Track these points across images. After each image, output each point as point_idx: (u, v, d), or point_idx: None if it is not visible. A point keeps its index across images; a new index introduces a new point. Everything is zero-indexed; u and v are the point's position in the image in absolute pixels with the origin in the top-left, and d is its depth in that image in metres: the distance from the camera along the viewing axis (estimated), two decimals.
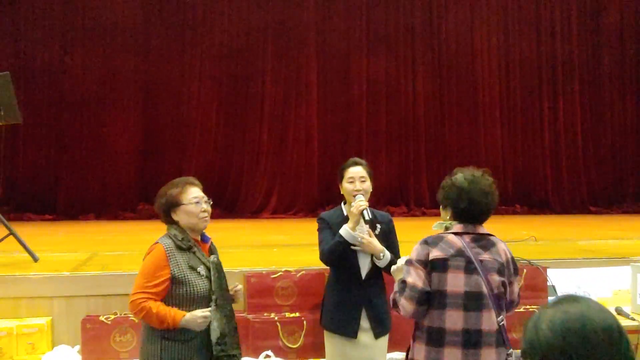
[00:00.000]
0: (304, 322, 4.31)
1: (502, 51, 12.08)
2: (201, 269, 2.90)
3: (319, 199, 11.00)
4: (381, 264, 3.36)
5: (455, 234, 2.71)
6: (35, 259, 5.01)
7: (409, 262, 2.71)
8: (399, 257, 3.48)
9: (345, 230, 3.29)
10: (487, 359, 2.59)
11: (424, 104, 11.77)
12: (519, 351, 1.66)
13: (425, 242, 2.71)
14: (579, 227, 9.24)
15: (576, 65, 12.25)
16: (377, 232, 3.42)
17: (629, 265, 4.48)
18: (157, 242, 2.92)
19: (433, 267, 2.65)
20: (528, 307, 4.43)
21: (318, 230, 3.51)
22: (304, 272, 4.51)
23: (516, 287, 2.79)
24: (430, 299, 2.64)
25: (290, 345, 4.28)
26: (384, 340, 3.49)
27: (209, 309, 2.85)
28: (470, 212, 2.72)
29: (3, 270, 4.62)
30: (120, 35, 10.76)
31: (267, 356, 4.22)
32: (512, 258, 2.78)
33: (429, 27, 11.86)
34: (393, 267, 2.95)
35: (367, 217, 3.28)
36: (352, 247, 3.33)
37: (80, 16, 10.71)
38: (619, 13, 12.40)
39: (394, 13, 11.72)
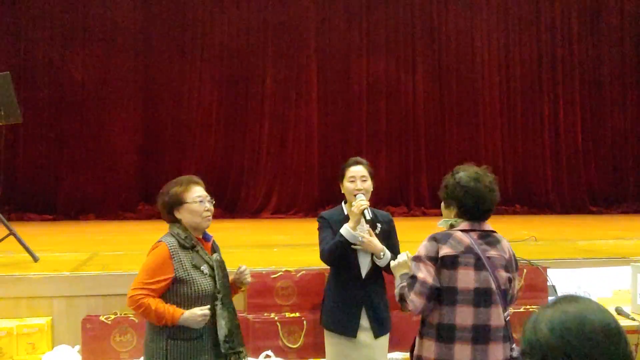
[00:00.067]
0: (304, 322, 4.31)
1: (502, 51, 12.08)
2: (205, 268, 2.89)
3: (319, 199, 11.00)
4: (381, 263, 3.36)
5: (463, 231, 2.73)
6: (36, 259, 5.01)
7: (417, 258, 2.71)
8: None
9: (346, 230, 3.29)
10: (494, 353, 2.62)
11: (424, 103, 11.77)
12: None
13: (434, 238, 2.72)
14: (579, 227, 9.24)
15: (576, 65, 12.26)
16: (377, 231, 3.42)
17: (629, 265, 4.48)
18: (160, 241, 2.91)
19: (443, 263, 2.66)
20: (528, 307, 4.43)
21: (318, 229, 3.51)
22: (304, 272, 4.51)
23: (516, 284, 2.85)
24: (440, 296, 2.66)
25: (290, 345, 4.29)
26: (384, 339, 3.48)
27: (208, 307, 2.84)
28: (476, 210, 2.75)
29: (3, 270, 4.62)
30: (120, 35, 10.76)
31: (267, 356, 4.22)
32: (514, 254, 2.83)
33: (429, 27, 11.86)
34: (393, 263, 2.94)
35: (367, 217, 3.27)
36: (353, 247, 3.33)
37: (80, 16, 10.71)
38: (619, 13, 12.40)
39: (394, 13, 11.72)
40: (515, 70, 12.09)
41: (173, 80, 10.96)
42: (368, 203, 3.32)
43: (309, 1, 11.37)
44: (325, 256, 3.40)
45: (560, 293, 4.56)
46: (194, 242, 2.92)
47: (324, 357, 3.58)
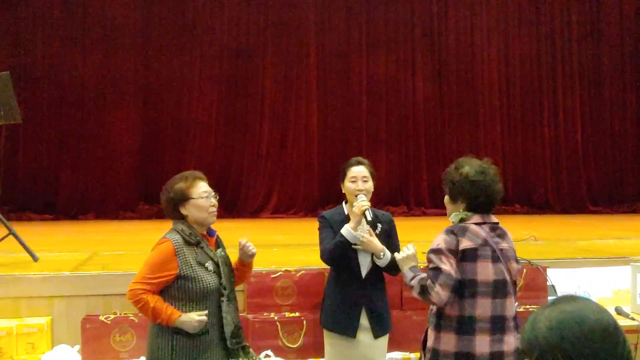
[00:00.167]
0: (304, 322, 4.31)
1: (502, 51, 12.08)
2: (209, 265, 2.89)
3: (319, 199, 11.01)
4: (381, 263, 3.36)
5: (476, 224, 2.77)
6: (35, 259, 5.01)
7: (439, 251, 2.71)
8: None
9: (346, 230, 3.28)
10: (508, 343, 2.69)
11: (424, 103, 11.78)
12: None
13: (452, 232, 2.74)
14: (578, 227, 9.24)
15: (576, 65, 12.26)
16: (377, 231, 3.41)
17: (629, 265, 4.48)
18: (165, 237, 2.89)
19: (464, 256, 2.69)
20: (528, 307, 4.43)
21: (319, 229, 3.50)
22: (303, 271, 4.51)
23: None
24: (460, 289, 2.69)
25: (289, 345, 4.29)
26: (384, 340, 3.48)
27: (206, 312, 2.84)
28: (486, 203, 2.79)
29: (3, 270, 4.61)
30: (120, 35, 10.77)
31: (267, 356, 4.22)
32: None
33: (429, 27, 11.86)
34: (399, 255, 2.93)
35: (369, 218, 3.27)
36: (353, 247, 3.33)
37: (80, 16, 10.72)
38: (619, 13, 12.40)
39: (393, 13, 11.72)
40: (515, 70, 12.10)
41: (173, 80, 10.97)
42: (369, 204, 3.31)
43: (309, 1, 11.37)
44: (325, 256, 3.40)
45: (560, 293, 4.55)
46: (199, 238, 2.91)
47: (324, 357, 3.58)
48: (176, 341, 2.81)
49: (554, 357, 1.33)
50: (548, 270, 4.70)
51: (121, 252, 5.82)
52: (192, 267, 2.83)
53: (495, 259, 2.71)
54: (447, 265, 2.67)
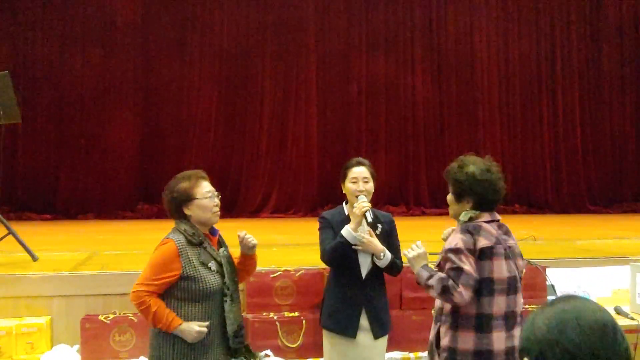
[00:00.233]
0: (303, 322, 4.31)
1: (502, 51, 12.09)
2: (212, 265, 2.88)
3: (318, 199, 11.01)
4: (381, 263, 3.35)
5: (486, 222, 2.80)
6: (35, 259, 5.01)
7: (459, 251, 2.72)
8: (400, 258, 3.48)
9: (347, 231, 3.28)
10: (517, 337, 2.70)
11: (424, 103, 11.78)
12: None
13: (468, 231, 2.75)
14: (578, 227, 9.25)
15: (575, 65, 12.27)
16: (378, 232, 3.41)
17: (628, 265, 4.48)
18: (168, 237, 2.88)
19: (482, 255, 2.72)
20: (527, 306, 4.42)
21: (319, 229, 3.49)
22: (303, 271, 4.51)
23: None
24: (479, 287, 2.71)
25: (289, 345, 4.28)
26: (383, 341, 3.47)
27: (207, 323, 2.83)
28: (493, 201, 2.84)
29: (2, 270, 4.61)
30: (119, 34, 10.77)
31: (267, 355, 4.22)
32: None
33: (428, 27, 11.86)
34: (410, 254, 2.90)
35: (369, 219, 3.26)
36: (353, 247, 3.32)
37: (79, 15, 10.72)
38: (618, 13, 12.41)
39: (393, 13, 11.73)
40: (514, 69, 12.10)
41: (172, 80, 10.97)
42: (370, 205, 3.31)
43: (308, 1, 11.37)
44: (326, 257, 3.39)
45: (559, 292, 4.55)
46: (202, 238, 2.89)
47: (323, 357, 3.58)
48: (177, 340, 2.80)
49: (553, 354, 1.33)
50: (547, 270, 4.70)
51: (120, 252, 5.82)
52: (195, 267, 2.82)
53: (507, 257, 2.76)
54: (468, 265, 2.68)
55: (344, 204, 3.54)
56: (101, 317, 4.17)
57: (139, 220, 10.23)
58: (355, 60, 11.54)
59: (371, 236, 3.34)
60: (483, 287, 2.70)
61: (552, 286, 4.57)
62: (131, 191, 10.78)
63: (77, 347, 4.16)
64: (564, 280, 4.74)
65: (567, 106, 12.24)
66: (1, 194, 8.85)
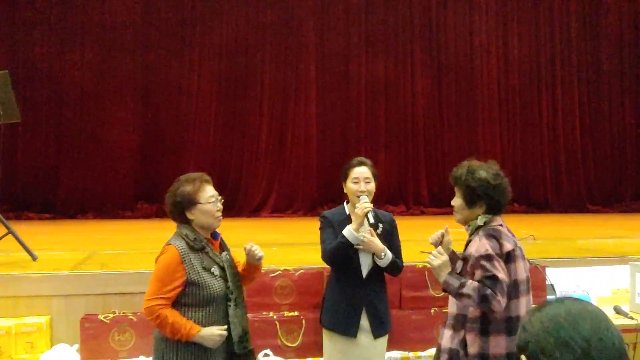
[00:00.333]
0: (303, 321, 4.31)
1: (501, 50, 12.08)
2: (215, 269, 2.84)
3: (318, 198, 11.01)
4: (382, 263, 3.35)
5: (501, 226, 2.85)
6: (34, 258, 5.01)
7: (491, 257, 2.72)
8: (401, 257, 3.48)
9: (348, 231, 3.27)
10: None
11: (423, 103, 11.78)
12: None
13: (492, 236, 2.78)
14: (577, 226, 9.25)
15: (575, 65, 12.26)
16: (379, 231, 3.41)
17: (628, 264, 4.48)
18: (169, 243, 2.84)
19: (508, 259, 2.77)
20: None
21: (320, 228, 3.49)
22: (302, 271, 4.51)
23: None
24: (507, 291, 2.75)
25: (288, 344, 4.28)
26: (383, 340, 3.47)
27: (225, 327, 2.81)
28: (505, 204, 2.90)
29: (2, 269, 4.61)
30: (119, 33, 10.76)
31: (266, 355, 4.22)
32: None
33: (428, 26, 11.86)
34: (435, 263, 2.84)
35: (371, 220, 3.25)
36: (354, 246, 3.32)
37: (79, 14, 10.70)
38: (618, 13, 12.41)
39: (392, 12, 11.72)
40: (514, 69, 12.10)
41: (172, 79, 10.96)
42: (371, 206, 3.30)
43: (307, 1, 11.37)
44: (326, 257, 3.39)
45: (559, 292, 4.56)
46: (204, 243, 2.86)
47: (322, 357, 3.58)
48: (180, 347, 2.77)
49: (548, 345, 1.35)
50: (547, 269, 4.70)
51: (120, 252, 5.81)
52: (198, 272, 2.79)
53: (522, 258, 2.84)
54: (501, 272, 2.71)
55: (345, 203, 3.54)
56: (101, 317, 4.17)
57: (138, 219, 10.22)
58: (355, 60, 11.54)
59: (372, 235, 3.34)
60: (511, 290, 2.74)
61: (552, 286, 4.57)
62: (131, 191, 10.78)
63: (76, 346, 4.16)
64: (563, 280, 4.74)
65: (566, 106, 12.24)
66: (1, 193, 8.86)
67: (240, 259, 3.09)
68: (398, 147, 11.65)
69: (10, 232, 5.07)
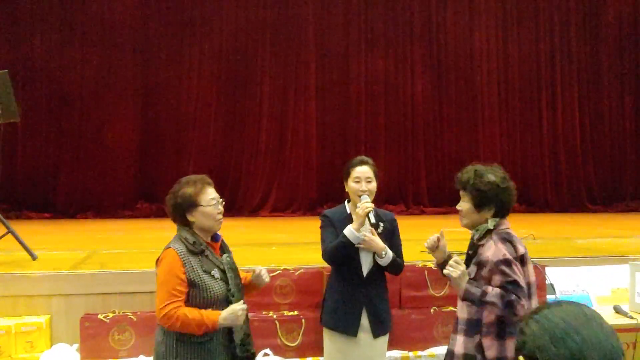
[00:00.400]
0: (303, 321, 4.31)
1: (501, 50, 12.07)
2: (215, 272, 2.82)
3: (318, 198, 11.01)
4: (383, 262, 3.35)
5: (509, 229, 2.89)
6: (34, 257, 5.01)
7: (510, 262, 2.73)
8: (401, 257, 3.48)
9: (349, 231, 3.27)
10: None
11: (423, 102, 11.77)
12: None
13: (507, 240, 2.81)
14: (577, 226, 9.25)
15: (575, 64, 12.26)
16: (379, 230, 3.41)
17: (627, 264, 4.48)
18: (168, 246, 2.82)
19: (522, 262, 2.79)
20: None
21: (321, 227, 3.49)
22: (302, 270, 4.51)
23: None
24: None
25: (288, 344, 4.29)
26: (384, 339, 3.47)
27: (242, 300, 2.81)
28: (511, 207, 2.93)
29: (1, 269, 4.61)
30: (119, 33, 10.75)
31: (266, 354, 4.22)
32: None
33: (427, 26, 11.85)
34: (454, 274, 2.75)
35: (372, 220, 3.25)
36: (355, 245, 3.32)
37: (79, 14, 10.70)
38: (617, 13, 12.40)
39: (392, 12, 11.71)
40: (514, 68, 12.09)
41: (172, 79, 10.95)
42: (373, 205, 3.30)
43: (308, 0, 11.36)
44: (327, 256, 3.39)
45: (558, 292, 4.56)
46: (203, 247, 2.84)
47: (322, 356, 3.58)
48: (179, 348, 2.75)
49: (544, 342, 1.37)
50: (547, 269, 4.70)
51: (120, 251, 5.81)
52: (198, 274, 2.77)
53: (530, 260, 2.87)
54: (521, 276, 2.73)
55: (345, 202, 3.54)
56: (100, 316, 4.18)
57: (138, 219, 10.21)
58: (354, 59, 11.53)
59: (373, 234, 3.34)
60: (526, 292, 2.77)
61: (552, 285, 4.57)
62: (131, 190, 10.77)
63: (76, 345, 4.17)
64: (563, 280, 4.75)
65: (566, 106, 12.24)
66: (1, 193, 8.86)
67: (236, 258, 3.07)
68: (398, 147, 11.65)
69: (10, 231, 5.07)
